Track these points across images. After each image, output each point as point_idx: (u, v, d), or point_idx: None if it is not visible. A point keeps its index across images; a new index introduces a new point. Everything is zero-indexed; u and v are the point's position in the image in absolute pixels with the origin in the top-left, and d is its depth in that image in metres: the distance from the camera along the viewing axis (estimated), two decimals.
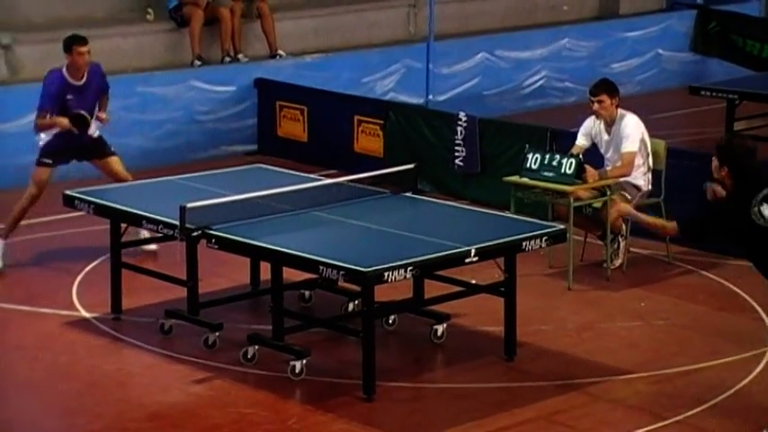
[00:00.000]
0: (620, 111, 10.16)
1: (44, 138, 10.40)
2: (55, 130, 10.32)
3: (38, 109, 10.36)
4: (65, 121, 10.23)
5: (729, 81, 14.32)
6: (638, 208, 10.18)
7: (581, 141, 10.30)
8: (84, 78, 10.39)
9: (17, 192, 10.61)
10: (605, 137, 10.22)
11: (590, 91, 10.20)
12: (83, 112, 10.25)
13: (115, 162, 10.55)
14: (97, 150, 10.54)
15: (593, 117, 10.25)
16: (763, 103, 13.48)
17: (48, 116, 10.27)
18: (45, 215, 11.32)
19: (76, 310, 9.42)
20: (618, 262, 10.25)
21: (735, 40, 17.10)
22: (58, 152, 10.41)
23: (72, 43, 10.41)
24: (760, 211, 7.18)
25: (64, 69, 10.40)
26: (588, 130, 10.31)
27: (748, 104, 13.42)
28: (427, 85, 14.79)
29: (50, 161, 10.39)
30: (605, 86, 10.15)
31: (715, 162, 7.33)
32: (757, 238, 7.23)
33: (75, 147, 10.42)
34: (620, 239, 10.25)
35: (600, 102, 10.09)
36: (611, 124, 10.15)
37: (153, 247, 10.21)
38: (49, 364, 8.50)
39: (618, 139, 10.09)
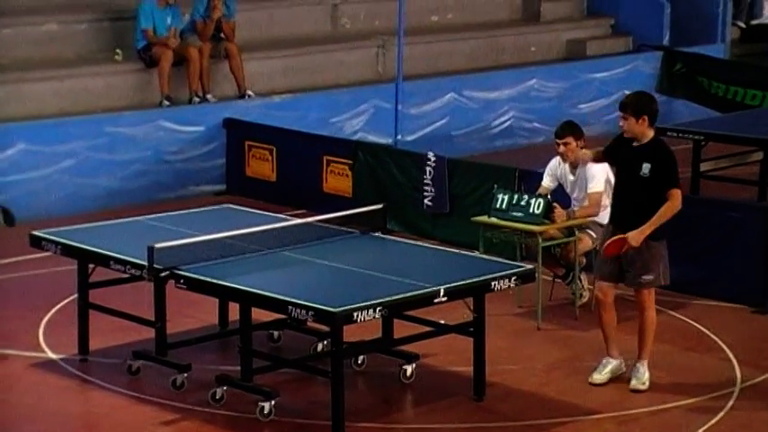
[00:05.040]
0: None
1: None
2: None
3: None
4: None
5: (695, 122, 14.43)
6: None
7: (547, 183, 10.36)
8: None
9: None
10: (570, 177, 10.28)
11: (556, 133, 10.26)
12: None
13: None
14: None
15: (557, 158, 10.31)
16: (728, 144, 13.60)
17: None
18: (11, 256, 11.26)
19: (43, 351, 9.35)
20: (584, 299, 10.27)
21: (700, 81, 17.26)
22: None
23: None
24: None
25: None
26: (553, 171, 10.37)
27: (714, 145, 13.53)
28: (396, 124, 14.83)
29: None
30: (571, 129, 10.21)
31: (630, 120, 8.40)
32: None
33: None
34: (584, 276, 10.26)
35: (566, 144, 10.15)
36: (575, 165, 10.21)
37: None
38: (16, 407, 8.43)
39: (583, 180, 10.15)
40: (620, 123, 8.58)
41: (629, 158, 8.57)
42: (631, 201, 8.52)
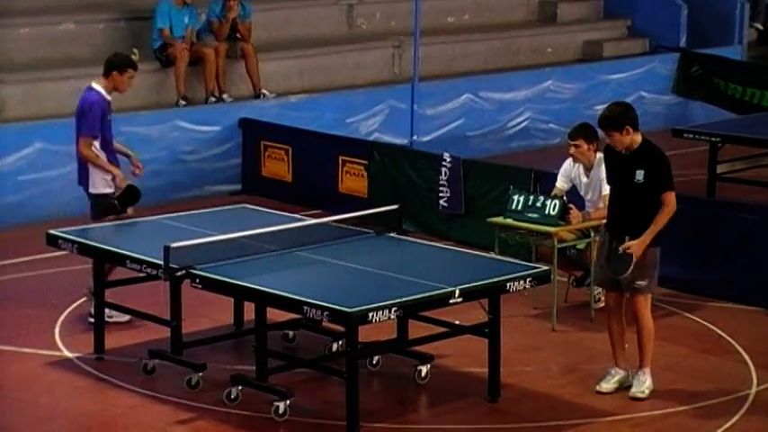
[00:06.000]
0: (598, 155, 10.19)
1: (103, 182, 9.79)
2: (107, 176, 9.78)
3: (87, 134, 9.89)
4: (121, 178, 9.70)
5: (712, 124, 14.41)
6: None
7: (561, 184, 10.34)
8: None
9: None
10: (584, 179, 10.27)
11: (569, 134, 10.27)
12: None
13: None
14: None
15: (571, 159, 10.30)
16: (745, 145, 13.57)
17: (94, 147, 9.78)
18: (28, 254, 11.29)
19: (59, 349, 9.38)
20: (602, 304, 10.25)
21: (717, 83, 17.23)
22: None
23: (130, 65, 10.06)
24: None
25: (101, 90, 10.11)
26: (567, 173, 10.35)
27: (731, 147, 13.50)
28: (411, 125, 14.83)
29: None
30: (584, 131, 10.20)
31: (614, 136, 8.35)
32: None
33: None
34: None
35: (576, 146, 10.14)
36: (589, 168, 10.19)
37: (124, 318, 9.64)
38: (31, 405, 8.45)
39: (597, 182, 10.13)
40: (608, 142, 8.53)
41: (623, 167, 8.51)
42: (630, 208, 8.46)
